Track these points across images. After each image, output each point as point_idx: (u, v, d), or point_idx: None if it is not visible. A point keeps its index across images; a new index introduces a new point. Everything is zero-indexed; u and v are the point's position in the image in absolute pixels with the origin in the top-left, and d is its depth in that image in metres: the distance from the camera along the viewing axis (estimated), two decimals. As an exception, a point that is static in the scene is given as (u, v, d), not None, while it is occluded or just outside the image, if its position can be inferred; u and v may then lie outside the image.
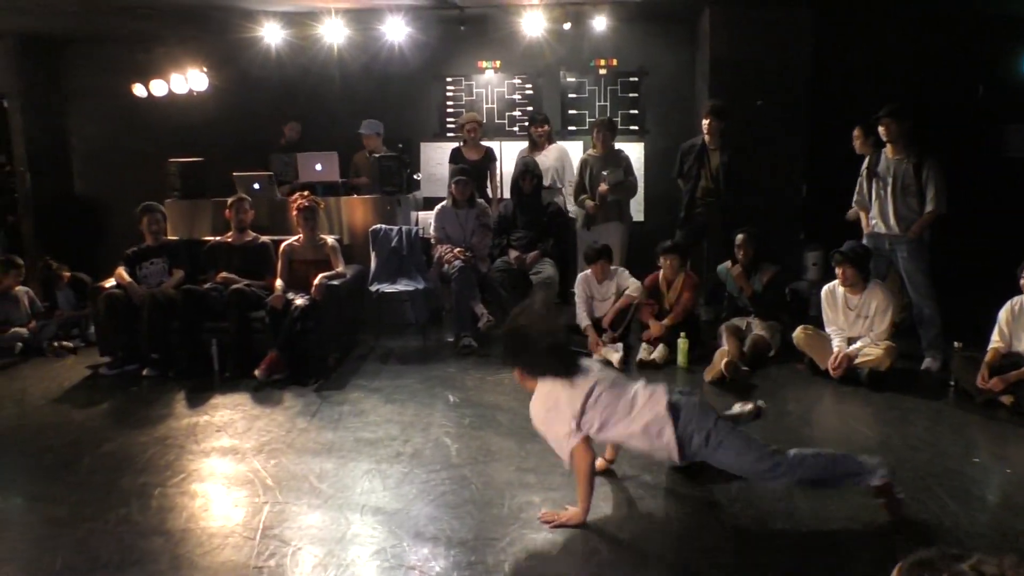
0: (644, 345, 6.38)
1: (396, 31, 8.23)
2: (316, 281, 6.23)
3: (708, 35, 7.88)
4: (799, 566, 3.41)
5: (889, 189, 6.09)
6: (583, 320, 6.50)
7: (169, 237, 6.95)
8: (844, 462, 3.74)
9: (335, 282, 6.38)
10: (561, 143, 8.31)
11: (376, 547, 3.53)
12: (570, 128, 9.03)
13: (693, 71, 8.69)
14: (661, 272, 6.59)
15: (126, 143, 9.46)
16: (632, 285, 6.53)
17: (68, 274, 7.69)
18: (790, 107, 7.66)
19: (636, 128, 8.96)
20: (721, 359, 5.80)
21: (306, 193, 6.77)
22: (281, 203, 7.39)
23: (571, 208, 7.82)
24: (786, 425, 5.18)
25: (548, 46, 8.62)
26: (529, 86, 9.11)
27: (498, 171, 8.35)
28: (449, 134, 9.08)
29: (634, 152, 8.40)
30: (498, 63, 9.08)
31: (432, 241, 7.21)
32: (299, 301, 6.10)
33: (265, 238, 6.79)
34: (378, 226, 7.27)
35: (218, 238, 6.87)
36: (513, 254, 7.09)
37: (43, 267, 7.88)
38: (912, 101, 6.58)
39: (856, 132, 6.89)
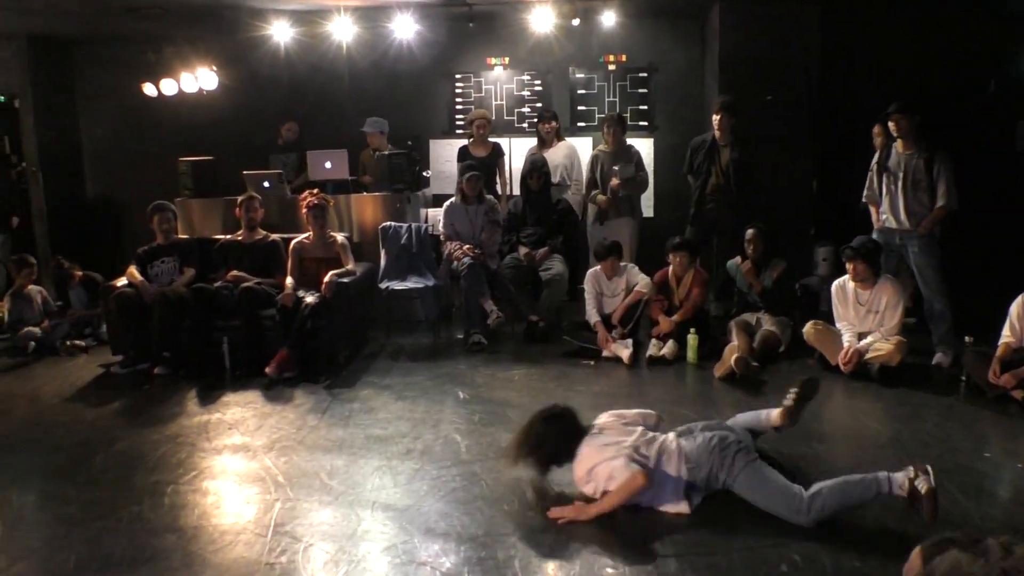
0: (654, 341, 6.38)
1: (405, 28, 8.24)
2: (326, 279, 6.25)
3: (717, 31, 7.87)
4: (812, 554, 3.40)
5: (900, 184, 6.07)
6: (593, 316, 6.50)
7: (180, 236, 6.97)
8: (860, 487, 3.70)
9: (345, 280, 6.40)
10: (570, 140, 8.31)
11: (387, 543, 3.54)
12: (579, 124, 9.02)
13: (703, 67, 8.67)
14: (671, 268, 6.59)
15: (137, 142, 9.52)
16: (642, 281, 6.53)
17: (80, 273, 7.73)
18: (800, 103, 7.65)
19: (646, 124, 8.95)
20: (731, 355, 5.79)
21: (316, 191, 6.79)
22: (291, 201, 7.42)
23: (574, 201, 7.80)
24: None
25: (557, 42, 8.61)
26: (538, 82, 9.11)
27: (507, 167, 8.35)
28: (458, 131, 9.09)
29: (644, 148, 8.37)
30: (507, 60, 9.08)
31: (441, 238, 7.22)
32: (309, 299, 6.12)
33: (275, 236, 6.81)
34: (388, 223, 7.28)
35: (228, 236, 6.89)
36: (523, 251, 7.10)
37: (55, 266, 7.93)
38: (922, 96, 6.56)
39: (876, 130, 6.86)
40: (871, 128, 6.90)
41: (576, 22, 8.25)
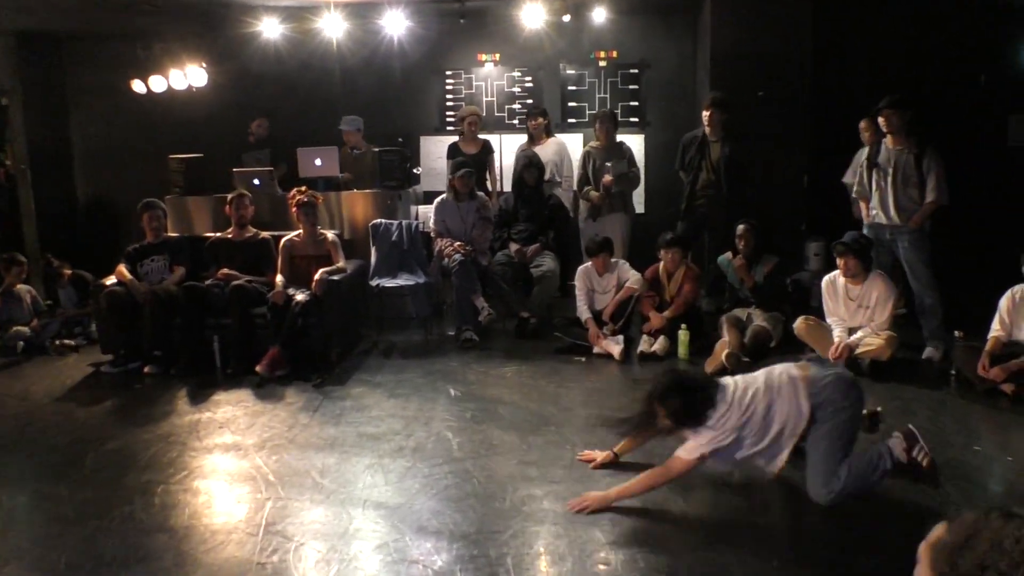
0: (645, 337, 6.39)
1: (395, 25, 8.22)
2: (317, 276, 6.24)
3: (709, 27, 7.86)
4: (809, 553, 3.41)
5: (890, 180, 6.08)
6: (584, 313, 6.51)
7: (170, 234, 6.94)
8: (869, 467, 3.77)
9: (336, 277, 6.38)
10: (559, 136, 8.30)
11: (379, 541, 3.54)
12: (570, 121, 9.02)
13: (694, 63, 8.68)
14: (662, 264, 6.59)
15: (127, 140, 9.47)
16: (633, 277, 6.53)
17: (69, 272, 7.70)
18: (791, 98, 7.65)
19: (637, 120, 8.95)
20: (722, 350, 5.80)
21: (304, 188, 6.78)
22: (281, 198, 7.39)
23: (564, 197, 7.80)
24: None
25: (548, 38, 8.60)
26: (529, 79, 9.10)
27: (496, 164, 8.34)
28: (449, 128, 9.07)
29: (635, 144, 8.39)
30: (498, 56, 9.06)
31: (432, 235, 7.21)
32: (300, 297, 6.11)
33: (266, 234, 6.79)
34: (378, 220, 7.26)
35: (219, 234, 6.87)
36: (514, 247, 7.10)
37: (45, 265, 7.89)
38: (913, 91, 6.57)
39: (863, 124, 6.88)
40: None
41: (567, 18, 8.26)
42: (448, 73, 9.19)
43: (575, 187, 7.87)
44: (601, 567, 3.33)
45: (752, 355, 6.02)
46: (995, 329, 5.43)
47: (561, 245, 7.35)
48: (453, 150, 8.03)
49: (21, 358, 6.78)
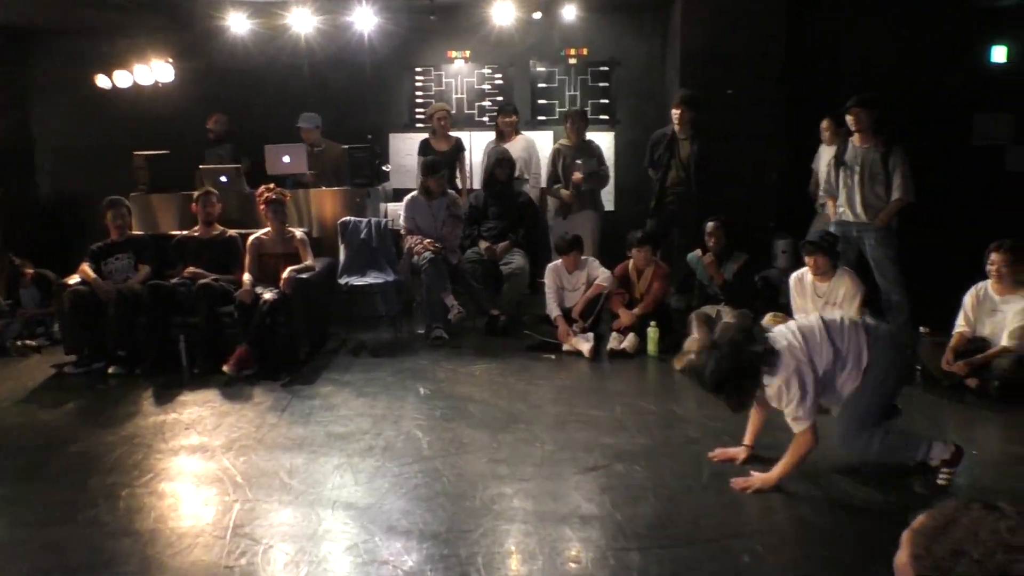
0: (614, 334, 6.40)
1: (365, 21, 8.17)
2: (285, 275, 6.18)
3: (679, 25, 7.88)
4: (777, 544, 3.43)
5: (857, 178, 6.14)
6: (553, 310, 6.50)
7: (135, 232, 6.85)
8: (911, 446, 3.97)
9: (304, 275, 6.33)
10: (527, 134, 8.29)
11: (348, 542, 3.50)
12: (540, 118, 9.01)
13: (664, 61, 8.70)
14: (631, 261, 6.60)
15: (91, 136, 9.30)
16: (602, 275, 6.54)
17: (32, 271, 7.56)
18: (760, 97, 7.68)
19: (607, 118, 8.96)
20: (691, 347, 5.81)
21: (273, 186, 6.72)
22: (249, 196, 7.31)
23: (533, 195, 7.80)
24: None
25: (518, 36, 8.58)
26: (499, 76, 9.08)
27: (467, 161, 8.31)
28: (419, 125, 9.03)
29: (605, 142, 8.40)
30: (468, 53, 9.04)
31: (403, 232, 7.17)
32: (268, 295, 6.06)
33: (233, 232, 6.72)
34: (347, 218, 7.21)
35: (185, 232, 6.79)
36: (483, 245, 7.07)
37: (6, 264, 7.75)
38: (882, 90, 6.63)
39: (825, 124, 6.94)
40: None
41: (537, 15, 8.24)
42: (418, 70, 9.15)
43: (544, 184, 7.86)
44: (572, 565, 3.32)
45: (721, 352, 6.03)
46: (959, 325, 5.51)
47: (531, 243, 7.34)
48: (424, 147, 8.00)
49: (-18, 359, 6.66)
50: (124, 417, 5.18)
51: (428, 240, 6.91)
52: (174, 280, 6.36)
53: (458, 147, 8.09)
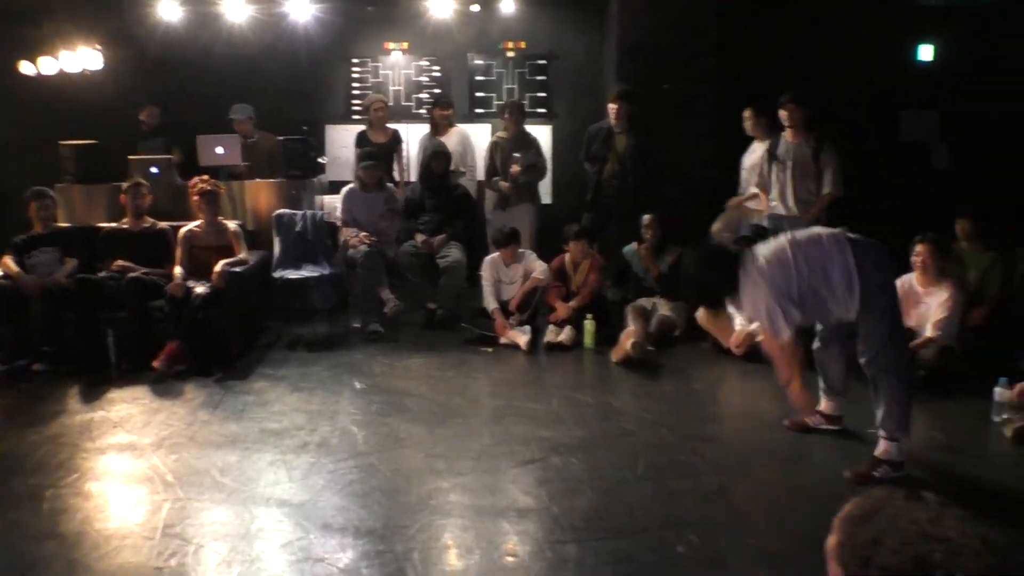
0: (551, 327, 6.42)
1: (301, 10, 8.05)
2: (217, 268, 6.06)
3: (617, 19, 7.91)
4: (710, 533, 3.47)
5: (789, 172, 6.25)
6: (490, 304, 6.50)
7: (61, 224, 6.65)
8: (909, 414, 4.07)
9: (237, 269, 6.22)
10: (462, 126, 8.24)
11: (282, 540, 3.45)
12: (477, 111, 8.99)
13: (602, 55, 8.73)
14: (568, 255, 6.63)
15: (14, 124, 8.96)
16: (539, 268, 6.56)
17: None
18: (696, 91, 7.75)
19: (544, 111, 8.97)
20: (627, 340, 5.87)
21: (206, 177, 6.58)
22: (181, 187, 7.15)
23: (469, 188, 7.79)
24: (693, 402, 5.32)
25: (457, 28, 8.54)
26: (437, 68, 9.03)
27: (404, 154, 8.25)
28: (355, 116, 8.93)
29: (542, 135, 8.41)
30: (406, 44, 8.96)
31: (339, 224, 7.09)
32: (200, 289, 5.94)
33: (164, 224, 6.56)
34: (282, 211, 7.10)
35: (114, 225, 6.62)
36: (420, 238, 7.03)
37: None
38: (813, 85, 6.75)
39: (747, 113, 7.02)
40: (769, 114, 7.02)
41: (475, 8, 8.21)
42: (355, 61, 9.05)
43: (481, 177, 7.84)
44: (509, 559, 3.33)
45: (657, 344, 6.12)
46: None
47: (468, 236, 7.32)
48: (361, 139, 7.91)
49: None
50: (49, 415, 5.02)
51: (364, 233, 6.85)
52: (102, 274, 6.18)
53: (395, 139, 8.02)
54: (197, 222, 6.48)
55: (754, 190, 6.73)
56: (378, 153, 7.30)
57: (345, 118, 9.04)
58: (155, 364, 5.68)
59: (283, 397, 5.29)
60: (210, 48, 8.55)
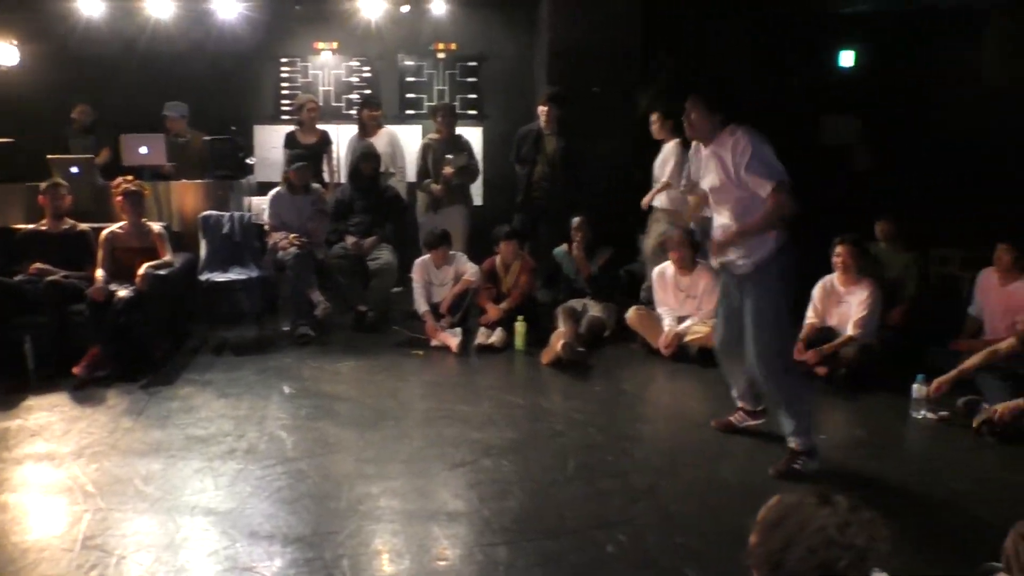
0: (482, 329, 6.43)
1: (227, 8, 7.92)
2: (141, 271, 5.92)
3: (547, 22, 7.97)
4: (638, 533, 3.52)
5: (714, 174, 6.34)
6: (421, 306, 6.48)
7: (-26, 226, 6.43)
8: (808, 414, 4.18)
9: (162, 271, 6.08)
10: (391, 128, 8.18)
11: (208, 549, 3.39)
12: (408, 112, 8.95)
13: (532, 57, 8.77)
14: (499, 256, 6.65)
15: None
16: (470, 270, 6.57)
17: None
18: (623, 93, 7.85)
19: (475, 113, 8.98)
20: (557, 341, 5.91)
21: (130, 177, 6.43)
22: (103, 188, 6.97)
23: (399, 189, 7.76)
24: (622, 403, 5.37)
25: (387, 28, 8.49)
26: (367, 69, 8.96)
27: (334, 155, 8.17)
28: (284, 117, 8.82)
29: (473, 137, 8.41)
30: (335, 45, 8.88)
31: (267, 228, 6.99)
32: (123, 292, 5.79)
33: (84, 226, 6.38)
34: (209, 212, 6.97)
35: (32, 226, 6.40)
36: (350, 240, 6.97)
37: None
38: (736, 90, 6.87)
39: (653, 117, 7.14)
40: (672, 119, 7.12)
41: (405, 8, 8.18)
42: (283, 60, 8.94)
43: (413, 179, 7.82)
44: (439, 563, 3.32)
45: (587, 345, 6.17)
46: (809, 316, 5.80)
47: (399, 238, 7.28)
48: (290, 140, 7.80)
49: None
50: (-38, 425, 4.85)
51: (293, 235, 6.77)
52: (19, 277, 5.99)
53: (325, 140, 7.94)
54: (120, 224, 6.31)
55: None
56: (307, 154, 7.22)
57: (274, 118, 8.93)
58: (75, 370, 5.52)
59: (209, 403, 5.19)
60: (133, 45, 8.35)
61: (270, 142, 8.67)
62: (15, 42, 8.22)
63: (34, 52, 8.37)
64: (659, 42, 8.20)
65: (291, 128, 7.98)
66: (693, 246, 6.19)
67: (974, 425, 4.66)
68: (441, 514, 3.72)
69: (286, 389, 5.45)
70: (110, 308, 5.72)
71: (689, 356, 5.99)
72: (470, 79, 8.99)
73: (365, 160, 7.11)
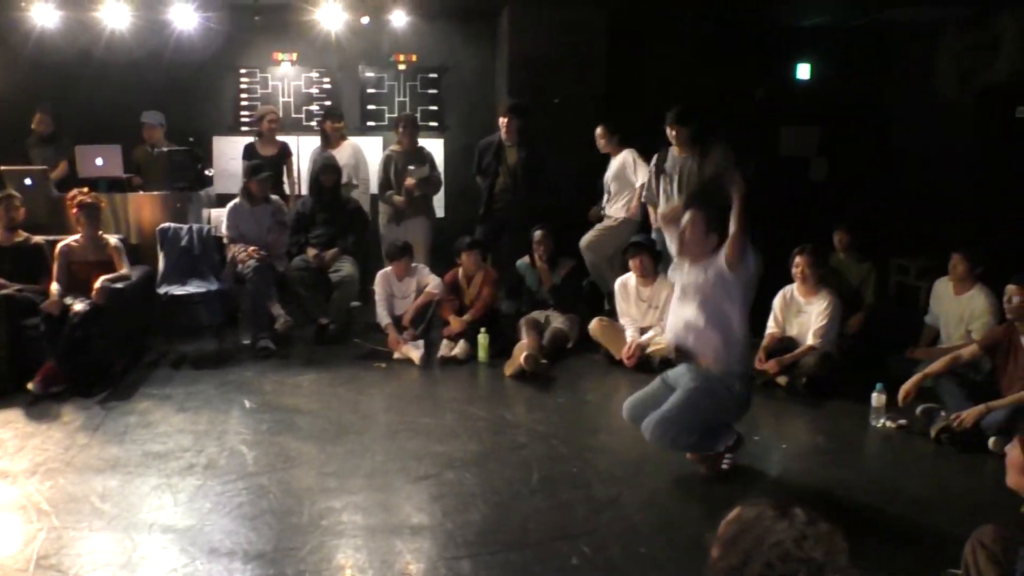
0: (445, 341, 6.41)
1: (185, 18, 7.84)
2: (97, 284, 5.83)
3: (507, 33, 7.99)
4: (601, 544, 3.51)
5: (676, 185, 6.41)
6: (383, 318, 6.45)
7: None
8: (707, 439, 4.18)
9: (119, 285, 5.98)
10: (353, 139, 8.14)
11: (167, 568, 3.34)
12: (369, 124, 8.92)
13: (493, 68, 8.79)
14: (461, 268, 6.63)
15: None
16: (432, 282, 6.55)
17: None
18: (584, 105, 7.88)
19: (436, 124, 8.97)
20: (520, 353, 5.91)
21: (86, 189, 6.32)
22: (58, 200, 6.85)
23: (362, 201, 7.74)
24: (585, 414, 5.39)
25: (347, 39, 8.45)
26: (327, 80, 8.92)
27: (295, 167, 8.11)
28: (244, 128, 8.74)
29: (435, 148, 8.39)
30: (295, 55, 8.83)
31: (225, 241, 6.92)
32: (79, 306, 5.68)
33: (39, 238, 6.27)
34: (167, 224, 6.87)
35: (-17, 240, 6.28)
36: (311, 252, 6.92)
37: None
38: (698, 102, 6.94)
39: (599, 131, 7.21)
40: (655, 129, 7.15)
41: (366, 20, 8.16)
42: (243, 71, 8.86)
43: (375, 191, 7.78)
44: (402, 578, 3.30)
45: (550, 357, 6.17)
46: (770, 327, 5.86)
47: (361, 250, 7.24)
48: (249, 151, 7.73)
49: None
50: (-89, 443, 4.73)
51: (253, 247, 6.70)
52: (-29, 291, 5.86)
53: (284, 152, 7.89)
54: (76, 236, 6.21)
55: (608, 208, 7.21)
56: (266, 166, 7.15)
57: (233, 129, 8.84)
58: (30, 385, 5.40)
59: (168, 417, 5.12)
60: (89, 54, 8.22)
61: (229, 153, 8.58)
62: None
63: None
64: (620, 54, 8.25)
65: (250, 139, 7.91)
66: (654, 252, 6.24)
67: (932, 434, 4.73)
68: (404, 528, 3.70)
69: (246, 403, 5.39)
70: (65, 322, 5.62)
71: (652, 366, 6.02)
72: (431, 90, 8.99)
73: (325, 172, 7.07)
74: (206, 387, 5.69)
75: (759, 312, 5.92)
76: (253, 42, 8.70)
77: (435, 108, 8.99)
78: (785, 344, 5.75)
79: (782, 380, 5.64)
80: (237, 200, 6.96)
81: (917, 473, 4.50)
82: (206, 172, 8.12)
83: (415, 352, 6.24)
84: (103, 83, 8.32)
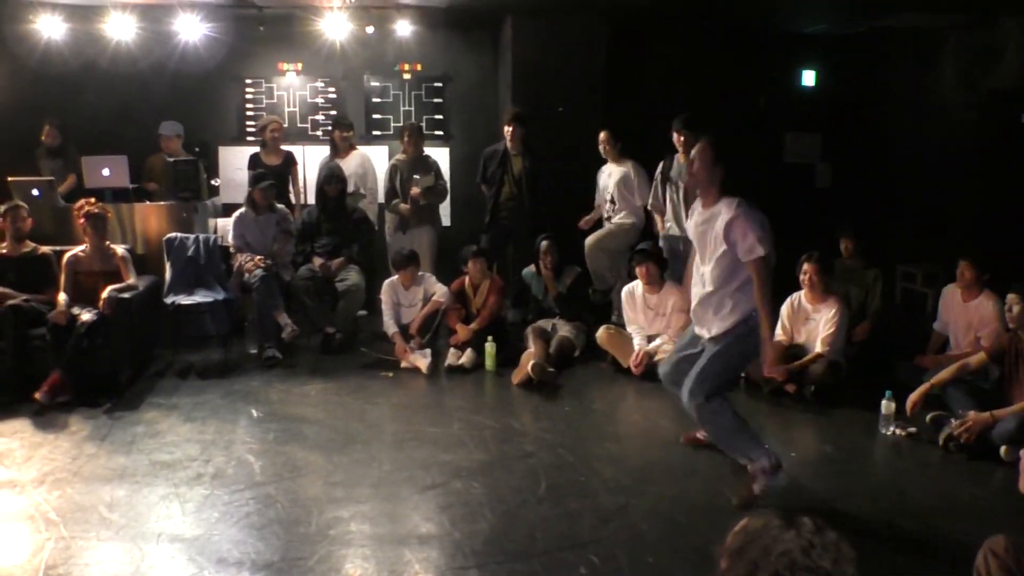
0: (452, 350, 6.40)
1: (190, 29, 7.87)
2: (104, 294, 5.84)
3: (510, 43, 8.02)
4: (609, 554, 3.51)
5: (681, 193, 6.41)
6: (390, 327, 6.45)
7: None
8: (747, 438, 4.13)
9: (126, 294, 5.99)
10: (362, 149, 8.18)
11: (174, 578, 3.34)
12: (374, 133, 8.94)
13: (496, 77, 8.81)
14: (467, 277, 6.64)
15: None
16: (439, 290, 6.55)
17: None
18: (587, 113, 7.90)
19: (441, 133, 8.99)
20: (528, 361, 5.90)
21: (92, 200, 6.34)
22: (65, 210, 6.88)
23: (369, 210, 7.75)
24: (592, 422, 5.37)
25: (352, 49, 8.48)
26: (332, 90, 8.94)
27: (300, 176, 8.13)
28: (249, 138, 8.77)
29: (439, 157, 8.40)
30: (300, 65, 8.85)
31: (231, 250, 6.93)
32: (85, 316, 5.70)
33: (46, 249, 6.29)
34: (173, 234, 6.89)
35: (-9, 250, 6.30)
36: (317, 261, 6.93)
37: None
38: (701, 109, 6.96)
39: (602, 137, 7.21)
40: (658, 138, 7.17)
41: (371, 30, 8.18)
42: (248, 81, 8.88)
43: (382, 200, 7.80)
44: (409, 587, 3.30)
45: (557, 365, 6.15)
46: (777, 334, 5.82)
47: (367, 259, 7.25)
48: (254, 161, 7.75)
49: None
50: (-81, 453, 4.74)
51: (259, 257, 6.72)
52: (-22, 301, 5.88)
53: (289, 161, 7.90)
54: (82, 246, 6.23)
55: (605, 211, 7.30)
56: (271, 175, 7.17)
57: (239, 139, 8.86)
58: (36, 395, 5.41)
59: (175, 427, 5.12)
60: (95, 66, 8.26)
61: (235, 163, 8.60)
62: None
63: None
64: (625, 61, 8.27)
65: (255, 149, 7.93)
66: (661, 260, 6.24)
67: (940, 442, 4.72)
68: (412, 538, 3.69)
69: (253, 412, 5.39)
70: (72, 332, 5.63)
71: (658, 375, 5.99)
72: (435, 99, 9.00)
73: (329, 182, 7.08)
74: (213, 396, 5.70)
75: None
76: (258, 52, 8.73)
77: (440, 117, 9.01)
78: (792, 352, 5.74)
79: (790, 388, 5.62)
80: (243, 209, 6.98)
81: (926, 481, 4.48)
82: (212, 182, 8.14)
83: (422, 361, 6.24)
84: (109, 94, 8.36)
